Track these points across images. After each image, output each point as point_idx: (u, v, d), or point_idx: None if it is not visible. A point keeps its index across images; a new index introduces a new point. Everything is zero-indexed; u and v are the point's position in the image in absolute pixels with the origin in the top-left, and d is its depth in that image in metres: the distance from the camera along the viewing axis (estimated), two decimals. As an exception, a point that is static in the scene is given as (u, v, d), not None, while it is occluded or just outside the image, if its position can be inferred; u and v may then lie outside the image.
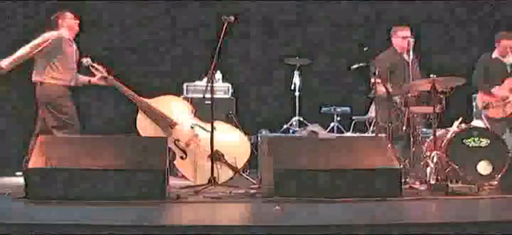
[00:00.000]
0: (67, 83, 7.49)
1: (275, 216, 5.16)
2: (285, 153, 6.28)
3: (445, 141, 7.58)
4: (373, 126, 9.10)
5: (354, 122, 10.24)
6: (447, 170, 7.11)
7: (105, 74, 7.66)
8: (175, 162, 7.54)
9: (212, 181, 6.89)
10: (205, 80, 8.28)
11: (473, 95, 9.73)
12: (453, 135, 7.63)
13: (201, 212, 5.58)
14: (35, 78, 7.44)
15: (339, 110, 10.11)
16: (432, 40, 10.82)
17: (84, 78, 7.75)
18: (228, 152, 7.40)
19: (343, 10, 11.15)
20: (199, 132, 7.58)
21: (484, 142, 7.58)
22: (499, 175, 7.28)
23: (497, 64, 8.52)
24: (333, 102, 10.23)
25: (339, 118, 10.09)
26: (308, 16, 11.00)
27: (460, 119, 7.91)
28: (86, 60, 7.64)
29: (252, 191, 6.56)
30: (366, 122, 10.07)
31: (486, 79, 8.52)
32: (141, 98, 7.68)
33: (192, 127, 7.61)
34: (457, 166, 7.10)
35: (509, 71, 8.49)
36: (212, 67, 7.19)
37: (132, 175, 5.91)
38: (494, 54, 8.57)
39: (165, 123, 7.60)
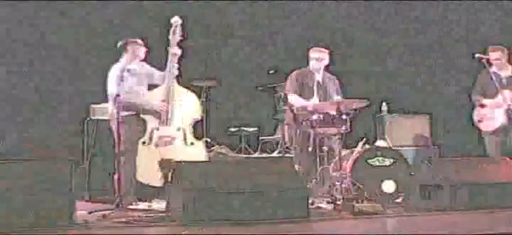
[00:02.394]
0: None
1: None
2: (192, 175, 6.26)
3: (350, 160, 7.74)
4: (281, 146, 9.19)
5: (261, 142, 10.31)
6: (353, 189, 7.24)
7: None
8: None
9: (119, 205, 6.80)
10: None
11: (377, 116, 9.96)
12: (358, 155, 7.80)
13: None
14: None
15: (246, 130, 10.16)
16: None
17: None
18: None
19: (252, 31, 11.24)
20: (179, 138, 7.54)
21: (388, 161, 7.79)
22: (403, 194, 7.48)
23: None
24: (240, 122, 10.27)
25: (246, 139, 10.15)
26: (216, 37, 10.99)
27: (364, 139, 8.11)
28: None
29: (160, 214, 6.52)
30: (273, 142, 10.16)
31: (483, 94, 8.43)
32: None
33: (178, 130, 7.54)
34: (362, 186, 7.25)
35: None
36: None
37: (38, 199, 5.75)
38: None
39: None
